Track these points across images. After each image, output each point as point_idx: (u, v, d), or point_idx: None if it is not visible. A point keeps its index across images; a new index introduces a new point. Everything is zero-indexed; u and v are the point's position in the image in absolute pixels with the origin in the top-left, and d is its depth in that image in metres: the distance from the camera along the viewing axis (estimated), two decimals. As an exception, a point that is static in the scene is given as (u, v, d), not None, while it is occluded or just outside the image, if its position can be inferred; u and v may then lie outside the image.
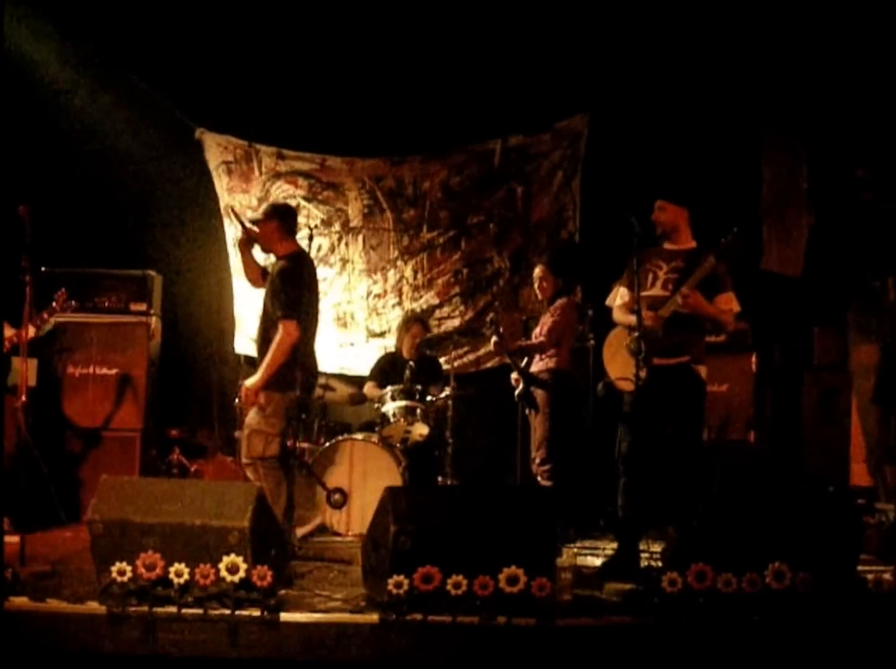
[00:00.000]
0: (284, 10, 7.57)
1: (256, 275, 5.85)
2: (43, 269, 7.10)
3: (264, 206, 5.99)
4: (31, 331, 5.81)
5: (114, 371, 7.21)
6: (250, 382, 5.45)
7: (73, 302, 6.21)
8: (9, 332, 5.73)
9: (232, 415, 7.44)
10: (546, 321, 6.72)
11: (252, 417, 5.49)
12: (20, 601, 4.09)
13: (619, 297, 5.57)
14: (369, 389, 7.46)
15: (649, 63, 7.51)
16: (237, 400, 5.88)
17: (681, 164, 7.41)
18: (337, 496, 6.55)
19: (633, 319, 5.25)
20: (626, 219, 5.18)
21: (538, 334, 6.78)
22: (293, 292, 5.39)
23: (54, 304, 6.04)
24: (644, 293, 5.33)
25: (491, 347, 7.29)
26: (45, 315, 6.00)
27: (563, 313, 6.67)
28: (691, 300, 5.18)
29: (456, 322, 8.41)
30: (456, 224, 8.44)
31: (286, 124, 8.22)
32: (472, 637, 3.94)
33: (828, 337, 7.42)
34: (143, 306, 7.30)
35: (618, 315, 5.57)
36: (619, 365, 5.35)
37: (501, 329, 6.87)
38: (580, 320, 6.89)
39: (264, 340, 5.51)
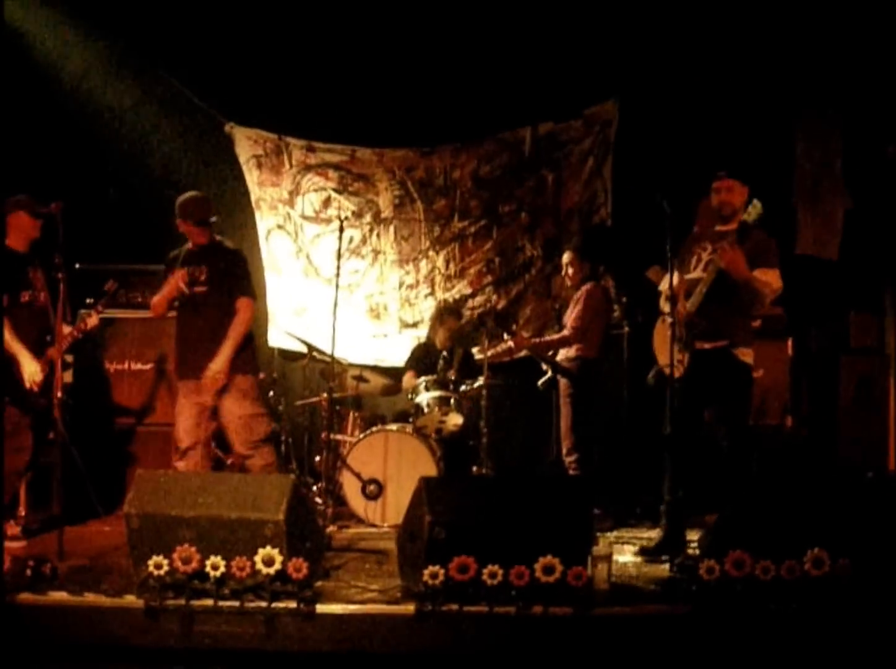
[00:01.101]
0: (312, 2, 7.56)
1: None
2: (77, 266, 7.17)
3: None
4: (92, 322, 5.95)
5: (149, 366, 7.24)
6: (217, 365, 5.70)
7: (123, 292, 6.31)
8: (66, 329, 5.75)
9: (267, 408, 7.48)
10: (572, 310, 6.72)
11: (241, 405, 5.83)
12: (59, 595, 4.14)
13: (663, 282, 5.51)
14: (408, 379, 7.44)
15: (679, 46, 7.42)
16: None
17: (712, 148, 7.33)
18: (372, 487, 6.57)
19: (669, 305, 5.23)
20: (656, 201, 5.12)
21: (566, 321, 6.77)
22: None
23: (105, 298, 6.05)
24: (687, 277, 5.31)
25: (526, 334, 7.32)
26: (100, 307, 6.00)
27: (587, 300, 6.66)
28: (728, 254, 5.07)
29: (488, 309, 8.39)
30: (487, 213, 8.40)
31: (316, 117, 8.19)
32: (509, 628, 3.94)
33: (865, 320, 7.36)
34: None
35: (661, 302, 5.53)
36: (666, 352, 5.29)
37: (514, 327, 6.89)
38: (610, 307, 6.82)
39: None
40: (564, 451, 6.53)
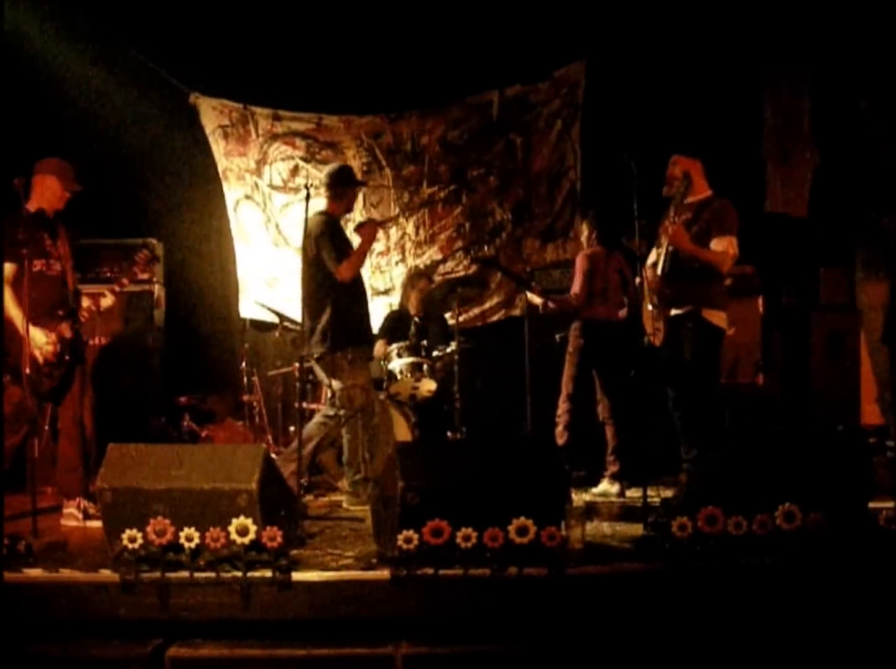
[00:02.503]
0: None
1: None
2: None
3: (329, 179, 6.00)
4: (110, 298, 5.69)
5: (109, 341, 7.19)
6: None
7: (155, 261, 6.01)
8: (86, 302, 5.60)
9: (239, 380, 7.47)
10: None
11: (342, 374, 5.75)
12: (35, 572, 4.10)
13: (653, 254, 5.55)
14: (380, 346, 7.41)
15: (646, 5, 7.38)
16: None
17: (680, 107, 7.33)
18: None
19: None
20: (623, 162, 5.12)
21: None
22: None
23: (135, 268, 5.79)
24: (659, 250, 5.41)
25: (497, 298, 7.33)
26: (125, 280, 5.76)
27: (579, 266, 6.60)
28: (669, 231, 5.23)
29: (460, 276, 8.38)
30: (456, 178, 8.39)
31: (281, 85, 8.16)
32: (484, 589, 3.94)
33: (835, 277, 7.39)
34: (146, 275, 7.25)
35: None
36: (650, 321, 5.41)
37: (534, 283, 6.92)
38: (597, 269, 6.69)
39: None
40: (559, 411, 6.49)
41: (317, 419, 6.00)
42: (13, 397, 5.32)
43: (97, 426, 5.66)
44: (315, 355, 5.80)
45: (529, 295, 6.86)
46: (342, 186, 5.94)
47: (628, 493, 6.19)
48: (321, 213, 5.90)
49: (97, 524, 5.22)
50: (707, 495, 4.21)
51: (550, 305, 6.71)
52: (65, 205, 5.56)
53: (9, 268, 5.27)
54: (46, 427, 5.31)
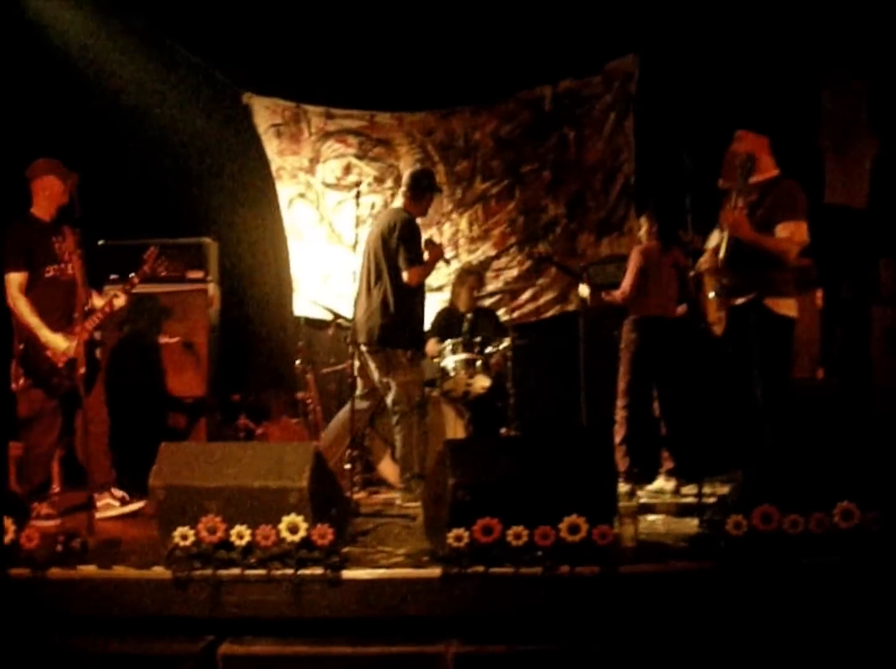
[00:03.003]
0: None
1: None
2: (101, 242, 7.19)
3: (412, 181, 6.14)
4: (123, 298, 5.72)
5: (175, 340, 7.24)
6: None
7: (164, 262, 5.96)
8: (98, 302, 5.69)
9: (294, 377, 7.51)
10: None
11: (401, 371, 5.90)
12: (88, 569, 4.15)
13: (711, 239, 5.41)
14: (431, 345, 7.40)
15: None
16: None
17: (734, 98, 7.19)
18: (401, 453, 6.56)
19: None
20: (678, 156, 5.04)
21: None
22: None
23: (144, 267, 5.79)
24: (721, 233, 5.19)
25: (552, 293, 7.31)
26: (136, 279, 5.76)
27: (632, 262, 6.54)
28: (729, 217, 5.01)
29: (514, 272, 8.35)
30: (509, 173, 8.35)
31: (333, 83, 8.16)
32: (535, 588, 3.91)
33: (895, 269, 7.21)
34: (200, 274, 7.33)
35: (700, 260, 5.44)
36: (712, 310, 5.23)
37: (586, 275, 6.92)
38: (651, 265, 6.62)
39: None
40: (617, 407, 6.45)
41: (344, 416, 6.06)
42: (35, 400, 5.49)
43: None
44: (372, 348, 5.89)
45: (581, 287, 6.84)
46: (421, 190, 6.08)
47: (685, 489, 6.12)
48: (404, 210, 6.05)
49: (135, 506, 5.50)
50: (762, 492, 4.14)
51: (604, 296, 6.68)
52: (67, 197, 5.49)
53: (22, 276, 5.42)
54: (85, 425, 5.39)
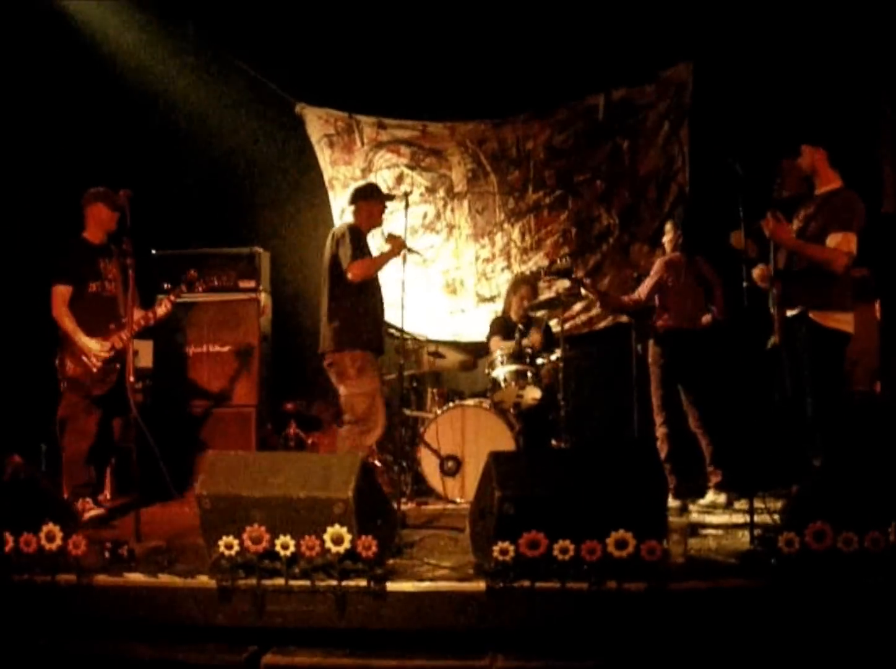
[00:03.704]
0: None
1: None
2: (153, 252, 7.26)
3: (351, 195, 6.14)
4: (162, 310, 5.98)
5: (227, 348, 7.29)
6: None
7: (202, 281, 6.17)
8: (137, 314, 5.82)
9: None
10: None
11: (347, 381, 5.75)
12: (135, 576, 4.18)
13: None
14: (496, 342, 7.30)
15: (752, 3, 7.17)
16: None
17: (792, 108, 7.08)
18: (450, 464, 6.57)
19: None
20: (730, 165, 4.96)
21: None
22: None
23: (183, 285, 6.02)
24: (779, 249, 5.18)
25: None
26: (173, 296, 5.99)
27: (654, 271, 6.51)
28: (769, 225, 5.00)
29: (566, 283, 8.26)
30: (562, 183, 8.28)
31: (385, 93, 8.16)
32: (582, 603, 3.86)
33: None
34: (252, 283, 7.37)
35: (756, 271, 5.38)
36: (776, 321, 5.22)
37: (585, 281, 6.88)
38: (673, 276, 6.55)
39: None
40: (656, 423, 6.40)
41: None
42: (69, 403, 5.81)
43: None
44: (325, 359, 5.82)
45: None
46: (362, 200, 5.99)
47: (738, 504, 6.01)
48: (348, 224, 5.96)
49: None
50: (816, 509, 4.03)
51: (625, 299, 6.76)
52: (116, 224, 5.87)
53: (67, 289, 5.79)
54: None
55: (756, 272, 5.20)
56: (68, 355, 5.78)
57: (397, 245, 5.88)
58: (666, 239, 6.68)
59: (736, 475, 6.07)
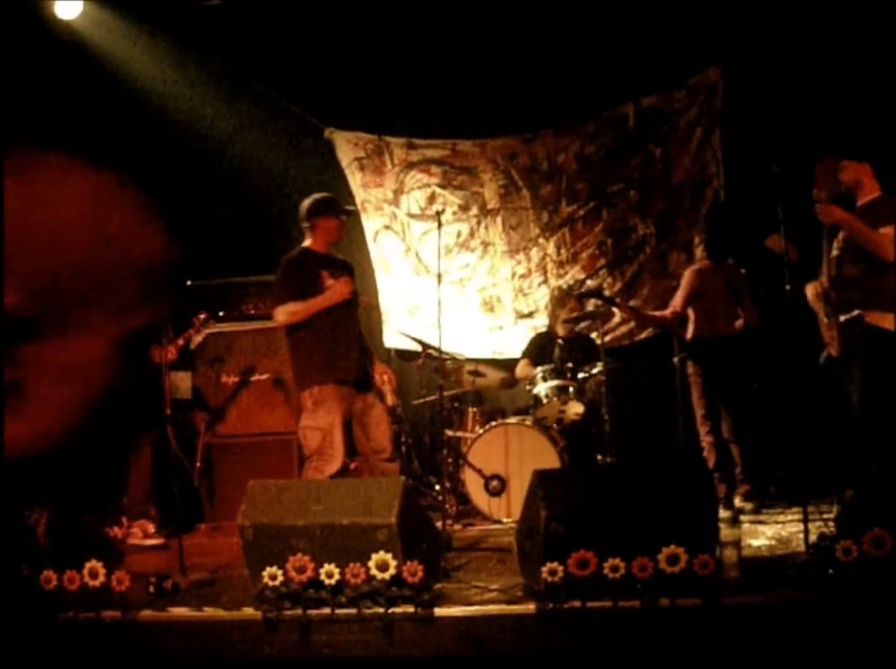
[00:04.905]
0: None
1: None
2: (189, 283, 7.26)
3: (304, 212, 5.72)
4: (172, 352, 6.14)
5: (265, 376, 7.25)
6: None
7: (211, 321, 6.26)
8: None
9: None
10: None
11: (302, 415, 5.52)
12: (179, 611, 4.15)
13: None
14: (522, 367, 7.27)
15: (780, 5, 7.06)
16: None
17: (826, 110, 6.96)
18: (494, 483, 6.49)
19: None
20: (767, 167, 4.91)
21: None
22: None
23: (191, 329, 6.18)
24: (830, 257, 5.14)
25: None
26: (181, 341, 6.18)
27: (684, 281, 6.46)
28: (819, 210, 4.96)
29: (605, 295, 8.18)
30: (595, 195, 8.20)
31: (413, 113, 8.14)
32: (635, 622, 3.76)
33: None
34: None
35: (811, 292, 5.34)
36: (824, 331, 5.18)
37: (618, 299, 6.85)
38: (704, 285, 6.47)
39: None
40: (700, 434, 6.34)
41: None
42: None
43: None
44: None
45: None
46: (316, 218, 5.64)
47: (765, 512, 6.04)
48: (298, 250, 5.65)
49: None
50: (873, 515, 3.92)
51: (656, 314, 6.76)
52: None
53: None
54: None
55: (810, 292, 5.18)
56: None
57: (338, 292, 5.45)
58: (696, 248, 6.63)
59: (788, 483, 5.96)
